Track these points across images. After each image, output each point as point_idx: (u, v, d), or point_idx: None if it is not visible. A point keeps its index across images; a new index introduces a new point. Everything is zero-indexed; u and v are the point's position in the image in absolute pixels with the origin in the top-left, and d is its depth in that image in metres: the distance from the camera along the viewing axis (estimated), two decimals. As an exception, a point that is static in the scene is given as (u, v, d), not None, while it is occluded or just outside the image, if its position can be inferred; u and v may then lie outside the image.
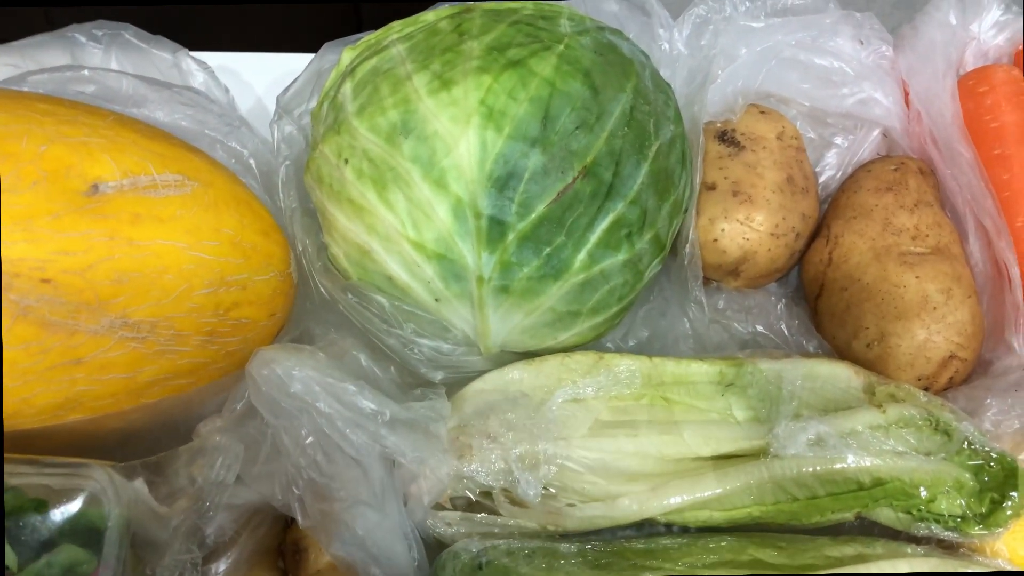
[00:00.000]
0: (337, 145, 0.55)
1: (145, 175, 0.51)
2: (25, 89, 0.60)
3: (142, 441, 0.53)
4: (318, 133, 0.59)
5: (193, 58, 0.68)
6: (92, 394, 0.49)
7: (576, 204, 0.52)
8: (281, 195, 0.63)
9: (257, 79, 0.77)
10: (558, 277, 0.53)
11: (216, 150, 0.62)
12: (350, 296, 0.57)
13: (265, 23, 1.03)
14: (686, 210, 0.62)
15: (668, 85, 0.62)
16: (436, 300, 0.55)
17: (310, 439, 0.51)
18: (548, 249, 0.53)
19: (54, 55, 0.65)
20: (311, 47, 0.78)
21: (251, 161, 0.63)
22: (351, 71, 0.58)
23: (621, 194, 0.54)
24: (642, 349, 0.65)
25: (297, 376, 0.52)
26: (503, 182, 0.51)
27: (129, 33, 0.65)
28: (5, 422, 0.47)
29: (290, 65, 0.78)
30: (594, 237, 0.53)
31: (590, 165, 0.52)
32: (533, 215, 0.52)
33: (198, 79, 0.67)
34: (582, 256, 0.53)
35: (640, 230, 0.55)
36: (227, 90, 0.69)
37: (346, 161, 0.54)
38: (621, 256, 0.55)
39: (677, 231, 0.61)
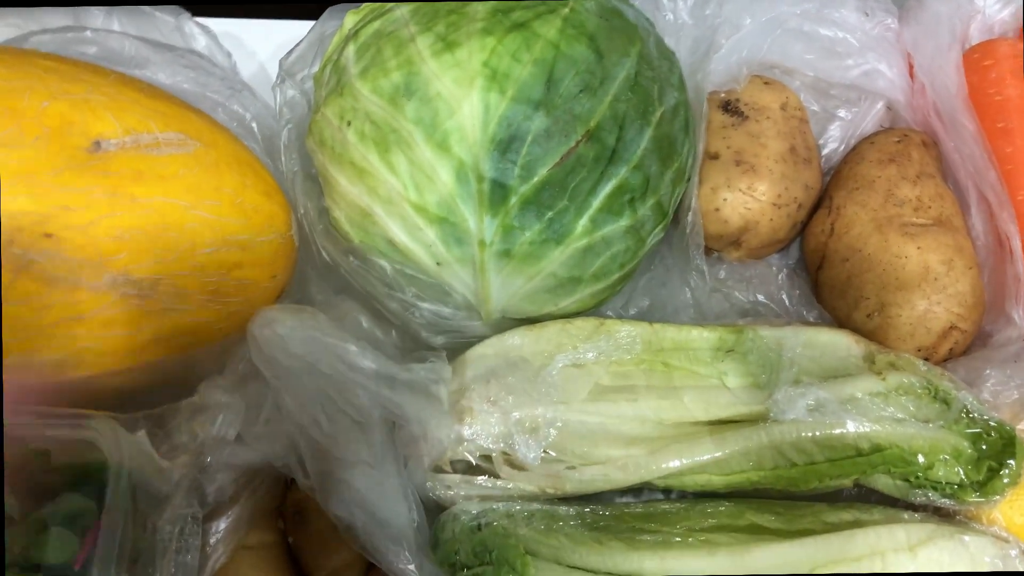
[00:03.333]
0: (339, 107, 0.55)
1: (147, 133, 0.51)
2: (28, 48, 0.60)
3: (142, 401, 0.53)
4: (320, 96, 0.59)
5: (196, 22, 0.67)
6: (93, 351, 0.49)
7: (579, 168, 0.52)
8: (283, 158, 0.63)
9: (260, 45, 0.76)
10: (560, 242, 0.53)
11: (218, 112, 0.62)
12: (352, 259, 0.57)
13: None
14: (689, 178, 0.61)
15: (672, 52, 0.61)
16: (437, 264, 0.55)
17: (310, 398, 0.51)
18: (550, 213, 0.53)
19: (57, 16, 0.65)
20: (313, 15, 0.78)
21: (253, 124, 0.63)
22: (354, 34, 0.58)
23: (624, 159, 0.54)
24: (643, 317, 0.65)
25: (299, 336, 0.52)
26: (506, 145, 0.51)
27: (132, -4, 0.65)
28: (6, 376, 0.47)
29: (293, 32, 0.77)
30: (596, 202, 0.53)
31: (593, 129, 0.52)
32: (536, 179, 0.52)
33: (200, 43, 0.67)
34: (584, 221, 0.53)
35: (643, 196, 0.55)
36: (229, 55, 0.69)
37: (348, 123, 0.54)
38: (623, 222, 0.55)
39: (679, 199, 0.61)
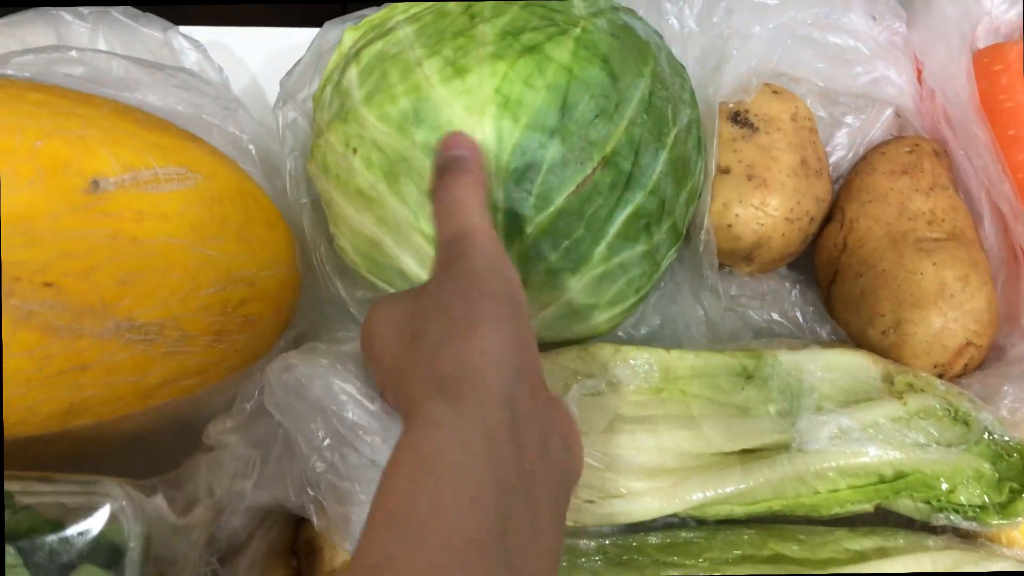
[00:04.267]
0: (344, 134, 0.53)
1: (146, 169, 0.48)
2: (9, 72, 0.57)
3: (151, 443, 0.52)
4: (322, 119, 0.56)
5: (185, 36, 0.64)
6: (98, 399, 0.48)
7: (595, 196, 0.51)
8: (288, 187, 0.61)
9: (251, 55, 0.74)
10: (576, 271, 0.52)
11: (213, 135, 0.59)
12: (360, 294, 0.56)
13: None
14: (700, 195, 0.60)
15: (682, 67, 0.60)
16: None
17: (327, 441, 0.50)
18: (567, 242, 0.51)
19: (38, 33, 0.62)
20: (302, 21, 0.75)
21: (250, 147, 0.60)
22: (355, 55, 0.55)
23: (640, 184, 0.52)
24: (654, 336, 0.64)
25: (315, 380, 0.50)
26: (520, 174, 0.50)
27: (117, 11, 0.62)
28: (8, 431, 0.46)
29: (285, 40, 0.75)
30: (613, 229, 0.52)
31: (609, 156, 0.51)
32: (552, 208, 0.50)
33: (191, 58, 0.64)
34: (601, 249, 0.52)
35: (659, 220, 0.54)
36: (221, 69, 0.66)
37: (354, 151, 0.52)
38: (640, 247, 0.54)
39: (692, 218, 0.60)
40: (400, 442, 0.33)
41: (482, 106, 0.49)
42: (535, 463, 0.34)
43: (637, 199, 0.52)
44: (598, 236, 0.52)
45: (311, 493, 0.51)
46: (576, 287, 0.53)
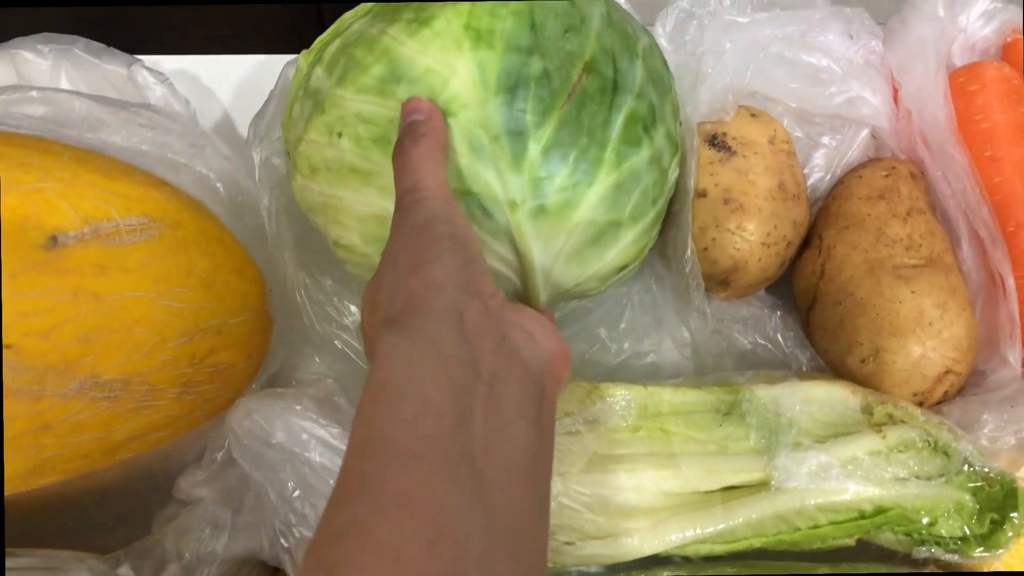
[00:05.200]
0: (325, 124, 0.51)
1: (107, 220, 0.47)
2: (-32, 115, 0.56)
3: (120, 496, 0.51)
4: (297, 130, 0.55)
5: (149, 70, 0.63)
6: (63, 457, 0.47)
7: (588, 102, 0.51)
8: (267, 226, 0.59)
9: (218, 83, 0.72)
10: (592, 182, 0.51)
11: (180, 173, 0.58)
12: (350, 320, 0.54)
13: (211, 24, 0.97)
14: (684, 211, 0.60)
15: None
16: None
17: (297, 492, 0.49)
18: (575, 152, 0.50)
19: (-2, 71, 0.60)
20: (267, 47, 0.74)
21: (218, 185, 0.59)
22: (319, 59, 0.55)
23: (627, 88, 0.52)
24: (638, 361, 0.64)
25: (279, 424, 0.50)
26: (511, 94, 0.49)
27: (79, 47, 0.61)
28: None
29: (250, 66, 0.74)
30: (614, 133, 0.52)
31: (590, 63, 0.51)
32: (551, 120, 0.50)
33: (156, 93, 0.63)
34: (609, 154, 0.51)
35: (653, 123, 0.54)
36: (188, 102, 0.65)
37: (339, 135, 0.51)
38: (644, 152, 0.53)
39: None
40: (365, 382, 0.35)
41: (456, 44, 0.49)
42: (496, 360, 0.36)
43: (628, 102, 0.52)
44: (603, 142, 0.51)
45: (284, 544, 0.50)
46: (595, 200, 0.52)
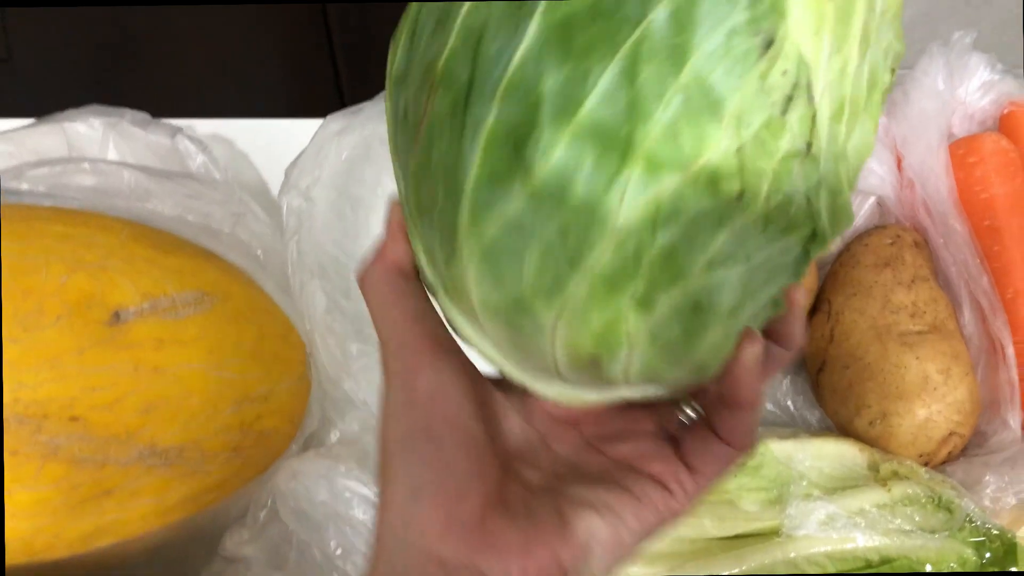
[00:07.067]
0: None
1: (164, 296, 0.50)
2: (24, 187, 0.59)
3: (167, 554, 0.53)
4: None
5: (190, 139, 0.66)
6: (121, 521, 0.49)
7: (436, 137, 0.31)
8: (292, 280, 0.62)
9: (252, 147, 0.76)
10: (456, 274, 0.32)
11: (222, 242, 0.61)
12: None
13: (242, 87, 1.01)
14: None
15: None
16: None
17: (339, 551, 0.52)
18: (430, 217, 0.32)
19: (50, 142, 0.63)
20: (301, 112, 0.77)
21: (259, 252, 0.62)
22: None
23: (486, 85, 0.29)
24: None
25: (323, 484, 0.52)
26: (392, 148, 0.34)
27: (127, 119, 0.64)
28: (35, 557, 0.47)
29: (287, 131, 0.77)
30: (470, 175, 0.30)
31: (443, 69, 0.30)
32: (410, 178, 0.33)
33: (197, 161, 0.66)
34: (464, 216, 0.33)
35: (538, 129, 0.29)
36: (226, 169, 0.68)
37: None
38: (519, 189, 0.29)
39: None
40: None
41: None
42: None
43: (489, 114, 0.29)
44: (457, 197, 0.30)
45: (327, 601, 0.52)
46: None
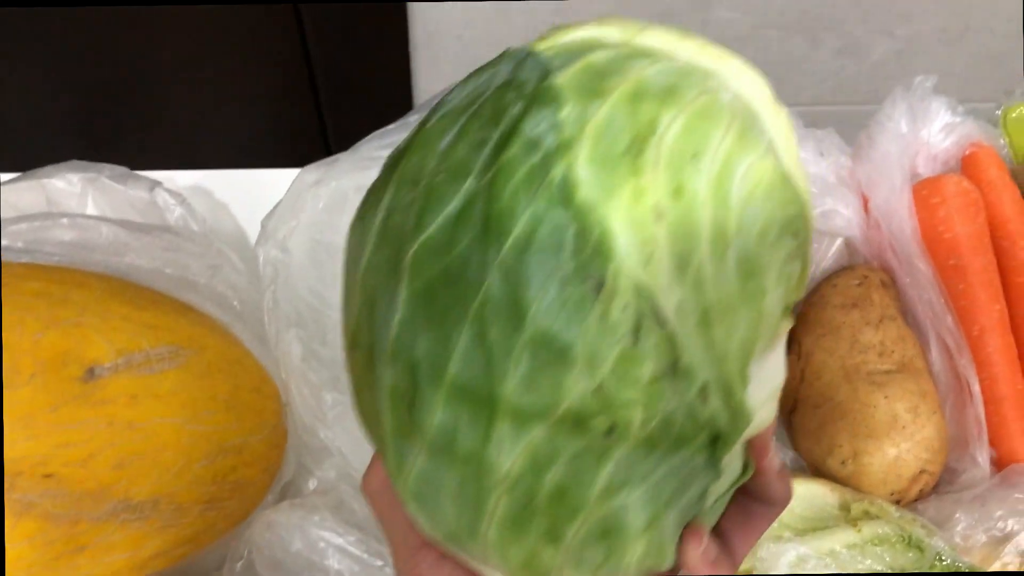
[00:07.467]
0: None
1: (139, 352, 0.51)
2: (4, 242, 0.60)
3: (143, 608, 0.54)
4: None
5: (168, 191, 0.68)
6: (95, 575, 0.50)
7: (362, 405, 0.35)
8: (268, 329, 0.63)
9: (232, 198, 0.77)
10: None
11: (200, 293, 0.62)
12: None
13: (222, 138, 1.03)
14: None
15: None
16: None
17: (315, 603, 0.52)
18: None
19: (30, 198, 0.65)
20: (281, 161, 0.79)
21: (235, 303, 0.63)
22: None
23: (381, 349, 0.32)
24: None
25: (298, 535, 0.53)
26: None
27: (105, 175, 0.65)
28: (9, 614, 0.47)
29: (267, 181, 0.78)
30: (387, 429, 0.33)
31: (353, 335, 0.34)
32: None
33: (175, 213, 0.67)
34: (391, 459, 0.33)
35: (418, 390, 0.32)
36: (204, 220, 0.69)
37: None
38: (419, 439, 0.32)
39: None
40: None
41: None
42: None
43: (386, 376, 0.31)
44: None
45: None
46: None
